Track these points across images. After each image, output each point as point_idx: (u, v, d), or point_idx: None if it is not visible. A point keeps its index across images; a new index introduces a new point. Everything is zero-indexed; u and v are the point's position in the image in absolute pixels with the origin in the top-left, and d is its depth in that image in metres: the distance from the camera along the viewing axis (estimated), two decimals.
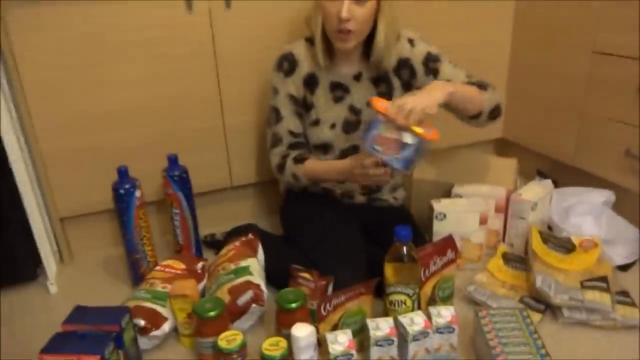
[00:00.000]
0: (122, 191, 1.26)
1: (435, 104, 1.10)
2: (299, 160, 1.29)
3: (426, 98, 1.10)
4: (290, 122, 1.32)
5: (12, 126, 1.27)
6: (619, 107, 1.44)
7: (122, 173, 1.27)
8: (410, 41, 1.31)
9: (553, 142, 1.69)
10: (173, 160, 1.36)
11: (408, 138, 1.08)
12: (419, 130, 1.07)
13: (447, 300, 1.19)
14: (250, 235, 1.34)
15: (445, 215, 1.31)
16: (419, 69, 1.30)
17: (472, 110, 1.24)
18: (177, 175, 1.35)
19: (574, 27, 1.53)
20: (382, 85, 1.32)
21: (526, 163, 1.81)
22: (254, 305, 1.13)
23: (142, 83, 1.40)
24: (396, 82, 1.32)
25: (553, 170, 1.72)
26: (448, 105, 1.19)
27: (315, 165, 1.28)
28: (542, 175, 1.70)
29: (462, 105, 1.21)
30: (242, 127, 1.54)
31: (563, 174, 1.67)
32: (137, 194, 1.28)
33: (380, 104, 1.10)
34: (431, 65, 1.30)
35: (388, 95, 1.32)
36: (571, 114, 1.59)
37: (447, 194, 1.43)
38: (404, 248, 1.06)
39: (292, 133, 1.33)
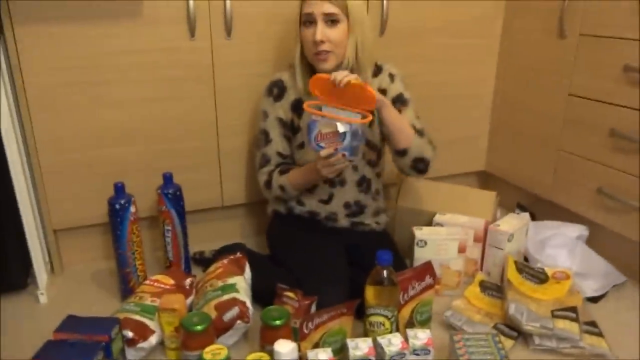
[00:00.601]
0: (117, 206, 1.30)
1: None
2: (283, 171, 1.38)
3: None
4: (278, 144, 1.40)
5: (15, 139, 1.32)
6: (592, 147, 1.52)
7: (119, 189, 1.32)
8: (391, 76, 1.41)
9: (532, 176, 1.77)
10: (168, 178, 1.42)
11: (341, 127, 1.16)
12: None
13: (424, 324, 1.24)
14: (238, 254, 1.38)
15: (426, 242, 1.37)
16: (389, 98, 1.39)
17: (399, 142, 1.31)
18: (171, 193, 1.40)
19: (552, 69, 1.63)
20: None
21: (507, 196, 1.89)
22: (239, 321, 1.18)
23: (142, 103, 1.46)
24: (375, 111, 1.38)
25: (532, 204, 1.80)
26: (381, 123, 1.30)
27: (295, 171, 1.37)
28: (522, 208, 1.77)
29: (391, 127, 1.28)
30: (235, 150, 1.61)
31: (541, 208, 1.75)
32: (132, 209, 1.33)
33: (310, 108, 1.20)
34: (397, 106, 1.37)
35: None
36: (549, 151, 1.68)
37: (429, 222, 1.50)
38: (385, 272, 1.11)
39: (280, 154, 1.41)
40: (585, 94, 1.53)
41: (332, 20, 1.27)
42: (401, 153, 1.33)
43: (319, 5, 1.26)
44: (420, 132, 1.35)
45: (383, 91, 1.40)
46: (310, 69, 1.36)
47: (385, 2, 1.59)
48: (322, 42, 1.27)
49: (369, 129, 1.39)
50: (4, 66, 1.30)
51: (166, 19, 1.41)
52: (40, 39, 1.32)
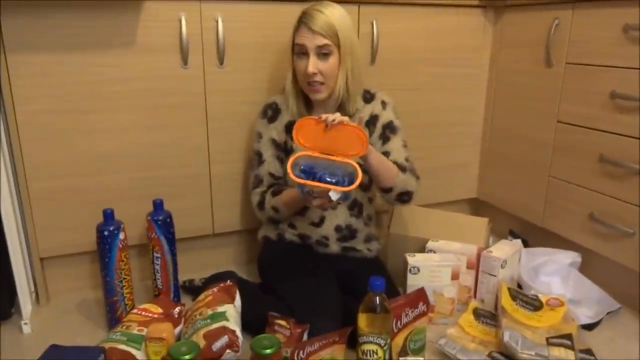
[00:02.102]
0: (106, 232, 1.29)
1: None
2: (276, 192, 1.39)
3: None
4: (271, 165, 1.42)
5: (4, 165, 1.31)
6: (583, 173, 1.53)
7: (108, 215, 1.31)
8: (383, 104, 1.43)
9: (523, 203, 1.78)
10: (158, 205, 1.40)
11: (334, 195, 1.11)
12: (336, 188, 1.11)
13: (418, 352, 1.22)
14: (228, 282, 1.36)
15: (419, 269, 1.36)
16: (378, 128, 1.42)
17: (383, 182, 1.31)
18: (161, 219, 1.39)
19: (540, 97, 1.66)
20: None
21: (499, 223, 1.89)
22: (228, 350, 1.15)
23: (133, 130, 1.46)
24: (368, 134, 1.41)
25: (524, 231, 1.80)
26: (364, 165, 1.26)
27: (287, 193, 1.36)
28: (514, 235, 1.77)
29: (375, 170, 1.27)
30: (226, 177, 1.60)
31: (533, 235, 1.75)
32: (121, 236, 1.31)
33: (300, 159, 1.15)
34: (387, 133, 1.41)
35: None
36: (539, 178, 1.69)
37: (422, 249, 1.49)
38: (377, 298, 1.10)
39: (272, 175, 1.43)
40: (573, 120, 1.55)
41: (324, 53, 1.29)
42: (387, 190, 1.34)
43: (311, 38, 1.28)
44: (402, 167, 1.35)
45: (375, 117, 1.42)
46: (303, 94, 1.39)
47: (375, 31, 1.63)
48: (314, 74, 1.30)
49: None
50: None
51: (159, 48, 1.43)
52: (32, 66, 1.32)
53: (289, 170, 1.13)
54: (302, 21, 1.30)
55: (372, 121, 1.42)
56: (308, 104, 1.42)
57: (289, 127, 1.41)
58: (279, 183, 1.44)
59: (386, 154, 1.38)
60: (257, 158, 1.43)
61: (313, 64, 1.29)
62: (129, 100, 1.44)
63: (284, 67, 1.53)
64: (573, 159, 1.57)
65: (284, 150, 1.43)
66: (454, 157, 1.92)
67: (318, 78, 1.31)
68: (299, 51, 1.31)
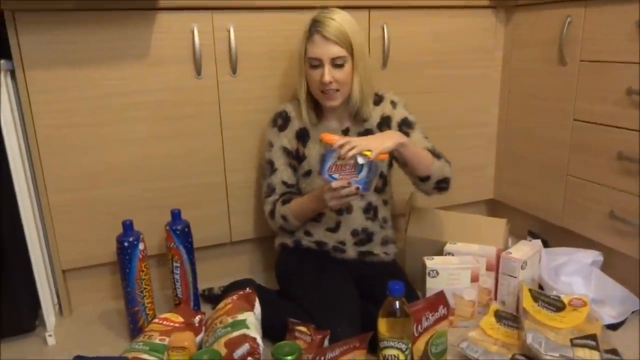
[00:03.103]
0: (126, 243, 1.30)
1: (380, 149, 1.19)
2: (286, 201, 1.40)
3: (374, 142, 1.20)
4: (283, 174, 1.42)
5: (25, 179, 1.34)
6: (601, 170, 1.52)
7: (127, 226, 1.32)
8: (393, 103, 1.44)
9: (542, 203, 1.76)
10: (176, 215, 1.42)
11: (360, 159, 1.17)
12: (367, 153, 1.17)
13: (440, 356, 1.21)
14: (247, 290, 1.37)
15: (437, 272, 1.35)
16: (395, 127, 1.42)
17: (420, 171, 1.33)
18: (179, 229, 1.40)
19: (555, 96, 1.64)
20: None
21: (518, 223, 1.87)
22: (249, 358, 1.15)
23: (150, 141, 1.48)
24: None
25: (543, 231, 1.78)
26: (399, 159, 1.34)
27: (297, 201, 1.38)
28: (533, 235, 1.75)
29: (411, 162, 1.30)
30: (242, 185, 1.61)
31: (553, 235, 1.73)
32: (141, 246, 1.32)
33: (329, 137, 1.22)
34: (404, 129, 1.41)
35: None
36: (557, 177, 1.67)
37: (440, 252, 1.48)
38: (397, 303, 1.09)
39: (285, 183, 1.43)
40: (590, 118, 1.53)
41: (338, 64, 1.30)
42: (424, 179, 1.36)
43: (326, 50, 1.28)
44: (435, 154, 1.37)
45: (387, 118, 1.42)
46: (315, 102, 1.40)
47: (386, 36, 1.63)
48: (330, 82, 1.30)
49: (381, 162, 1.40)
50: (15, 108, 1.33)
51: (173, 59, 1.44)
52: (50, 82, 1.35)
53: (322, 135, 1.22)
54: (315, 30, 1.29)
55: (384, 122, 1.42)
56: (319, 111, 1.42)
57: (299, 135, 1.42)
58: (291, 191, 1.44)
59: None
60: (269, 167, 1.44)
61: (329, 73, 1.29)
62: (144, 112, 1.45)
63: (295, 75, 1.55)
64: (591, 157, 1.55)
65: (295, 157, 1.43)
66: (470, 159, 1.91)
67: (333, 86, 1.31)
68: (314, 63, 1.31)
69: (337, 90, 1.32)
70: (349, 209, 1.41)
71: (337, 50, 1.28)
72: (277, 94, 1.57)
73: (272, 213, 1.42)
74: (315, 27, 1.29)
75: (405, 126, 1.41)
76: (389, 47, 1.65)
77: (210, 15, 1.45)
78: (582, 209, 1.60)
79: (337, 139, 1.20)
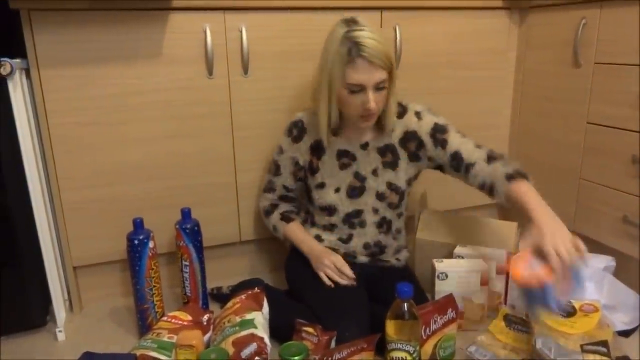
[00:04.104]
0: (136, 241, 1.31)
1: (572, 238, 1.06)
2: (285, 217, 1.45)
3: (558, 228, 1.07)
4: (287, 180, 1.45)
5: (38, 177, 1.35)
6: (615, 174, 1.50)
7: (138, 224, 1.33)
8: (417, 114, 1.36)
9: (554, 207, 1.72)
10: (186, 214, 1.42)
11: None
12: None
13: (448, 359, 1.20)
14: (256, 289, 1.37)
15: (447, 275, 1.34)
16: (427, 140, 1.34)
17: None
18: (189, 228, 1.41)
19: (568, 98, 1.62)
20: (388, 154, 1.38)
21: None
22: (257, 357, 1.15)
23: (161, 140, 1.49)
24: (402, 153, 1.38)
25: None
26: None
27: (295, 232, 1.44)
28: None
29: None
30: (253, 185, 1.61)
31: None
32: (151, 244, 1.33)
33: (538, 275, 1.01)
34: (439, 137, 1.33)
35: (394, 164, 1.38)
36: (570, 181, 1.65)
37: (449, 254, 1.47)
38: (405, 305, 1.09)
39: (285, 187, 1.46)
40: (604, 121, 1.51)
41: (380, 87, 1.23)
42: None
43: (370, 76, 1.20)
44: (491, 158, 1.29)
45: (412, 133, 1.35)
46: (335, 114, 1.32)
47: (398, 37, 1.62)
48: (374, 108, 1.24)
49: (394, 172, 1.38)
50: (30, 108, 1.35)
51: (185, 59, 1.45)
52: (64, 81, 1.36)
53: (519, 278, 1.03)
54: (358, 54, 1.18)
55: (409, 138, 1.36)
56: (339, 123, 1.36)
57: (314, 147, 1.39)
58: (290, 195, 1.49)
59: (455, 155, 1.31)
60: (275, 168, 1.45)
61: (374, 100, 1.22)
62: (156, 111, 1.46)
63: (307, 75, 1.55)
64: (604, 161, 1.53)
65: (309, 169, 1.41)
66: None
67: (374, 110, 1.25)
68: (354, 89, 1.22)
69: (375, 112, 1.27)
70: (362, 224, 1.40)
71: (381, 75, 1.20)
72: (289, 95, 1.57)
73: (268, 213, 1.48)
74: (357, 51, 1.18)
75: (438, 133, 1.33)
76: (401, 48, 1.64)
77: (222, 16, 1.45)
78: (595, 213, 1.58)
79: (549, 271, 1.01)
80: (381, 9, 1.59)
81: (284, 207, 1.49)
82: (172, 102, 1.47)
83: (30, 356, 1.31)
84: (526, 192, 1.19)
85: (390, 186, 1.38)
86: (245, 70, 1.51)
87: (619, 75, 1.45)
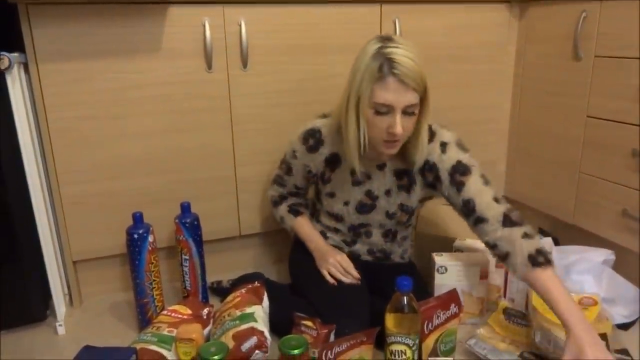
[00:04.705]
0: (136, 235, 1.31)
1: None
2: (293, 211, 1.43)
3: (596, 339, 1.02)
4: (298, 180, 1.41)
5: (37, 172, 1.35)
6: (615, 168, 1.49)
7: (137, 218, 1.33)
8: (443, 145, 1.24)
9: (553, 201, 1.74)
10: (186, 208, 1.42)
11: None
12: None
13: (448, 354, 1.21)
14: (256, 283, 1.37)
15: (446, 269, 1.34)
16: (445, 177, 1.23)
17: None
18: (188, 222, 1.41)
19: (568, 92, 1.62)
20: (405, 178, 1.31)
21: (528, 221, 1.84)
22: (257, 351, 1.15)
23: (161, 134, 1.49)
24: (419, 180, 1.31)
25: (554, 229, 1.76)
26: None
27: (302, 227, 1.43)
28: (544, 233, 1.74)
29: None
30: (252, 179, 1.61)
31: (564, 233, 1.71)
32: (150, 238, 1.33)
33: None
34: (457, 178, 1.21)
35: (409, 187, 1.31)
36: (570, 174, 1.65)
37: (449, 248, 1.47)
38: (405, 298, 1.09)
39: (296, 186, 1.43)
40: (604, 115, 1.51)
41: (410, 112, 1.12)
42: None
43: (400, 97, 1.09)
44: (505, 221, 1.17)
45: (432, 166, 1.24)
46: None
47: (398, 30, 1.62)
48: (400, 133, 1.12)
49: (407, 195, 1.31)
50: (28, 102, 1.34)
51: (184, 53, 1.45)
52: (62, 74, 1.36)
53: None
54: (391, 71, 1.08)
55: (428, 169, 1.26)
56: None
57: (329, 160, 1.30)
58: (300, 193, 1.46)
59: (468, 203, 1.20)
60: (286, 167, 1.39)
61: (400, 124, 1.10)
62: (155, 105, 1.46)
63: (307, 69, 1.55)
64: (604, 154, 1.53)
65: (320, 177, 1.35)
66: (481, 155, 1.87)
67: (399, 136, 1.13)
68: (381, 109, 1.11)
69: (400, 139, 1.16)
70: (368, 234, 1.39)
71: (412, 98, 1.09)
72: (288, 89, 1.57)
73: (276, 204, 1.47)
74: (389, 68, 1.08)
75: (459, 174, 1.20)
76: None
77: (221, 9, 1.45)
78: (594, 206, 1.58)
79: None
80: (381, 2, 1.59)
81: (292, 200, 1.46)
82: (171, 96, 1.47)
83: (30, 350, 1.31)
84: (554, 286, 1.09)
85: (402, 207, 1.33)
86: (245, 64, 1.51)
87: (619, 69, 1.45)
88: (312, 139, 1.30)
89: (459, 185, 1.21)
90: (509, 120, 1.89)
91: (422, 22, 1.67)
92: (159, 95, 1.46)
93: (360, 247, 1.41)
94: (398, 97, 1.09)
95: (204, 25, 1.44)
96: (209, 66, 1.48)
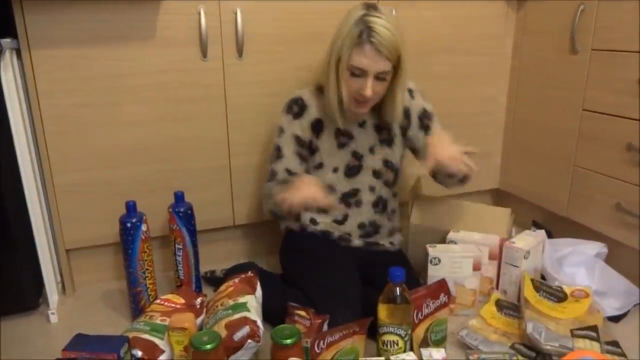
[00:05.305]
0: (129, 224, 1.31)
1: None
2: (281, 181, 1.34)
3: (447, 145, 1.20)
4: (289, 161, 1.36)
5: (30, 159, 1.34)
6: (609, 162, 1.50)
7: (130, 207, 1.33)
8: (410, 92, 1.40)
9: (547, 194, 1.74)
10: (179, 197, 1.42)
11: None
12: None
13: (439, 343, 1.21)
14: (249, 273, 1.37)
15: (439, 260, 1.35)
16: (415, 121, 1.40)
17: (457, 175, 1.30)
18: (182, 211, 1.40)
19: (564, 85, 1.62)
20: (384, 132, 1.41)
21: (522, 214, 1.86)
22: (249, 340, 1.15)
23: (155, 123, 1.48)
24: (397, 130, 1.42)
25: (548, 222, 1.76)
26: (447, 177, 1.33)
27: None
28: (538, 225, 1.74)
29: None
30: (247, 169, 1.61)
31: (558, 225, 1.72)
32: (143, 227, 1.33)
33: None
34: (425, 122, 1.39)
35: (390, 141, 1.41)
36: (564, 168, 1.65)
37: (443, 240, 1.47)
38: (397, 289, 1.09)
39: (288, 171, 1.36)
40: (599, 108, 1.51)
41: (382, 77, 1.23)
42: (456, 180, 1.35)
43: (375, 63, 1.20)
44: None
45: (407, 110, 1.39)
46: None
47: None
48: (370, 96, 1.24)
49: (390, 149, 1.41)
50: (21, 89, 1.33)
51: (179, 41, 1.43)
52: (55, 61, 1.34)
53: None
54: (368, 39, 1.18)
55: (404, 115, 1.39)
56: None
57: (315, 125, 1.36)
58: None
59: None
60: (277, 152, 1.38)
61: (371, 87, 1.22)
62: (149, 93, 1.45)
63: (302, 58, 1.54)
64: (599, 148, 1.53)
65: (308, 148, 1.38)
66: (476, 147, 1.88)
67: (369, 98, 1.25)
68: (356, 72, 1.22)
69: (370, 101, 1.27)
70: (358, 203, 1.40)
71: (385, 66, 1.20)
72: (283, 78, 1.56)
73: (267, 196, 1.37)
74: (367, 35, 1.18)
75: (426, 118, 1.38)
76: None
77: None
78: (588, 200, 1.58)
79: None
80: None
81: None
82: (165, 84, 1.46)
83: (22, 338, 1.31)
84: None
85: (387, 163, 1.40)
86: (240, 53, 1.50)
87: (616, 62, 1.44)
88: (295, 106, 1.36)
89: (426, 129, 1.40)
90: (505, 112, 1.89)
91: (420, 14, 1.66)
92: (153, 83, 1.45)
93: (351, 223, 1.41)
94: (372, 63, 1.20)
95: (199, 13, 1.42)
96: (204, 55, 1.47)
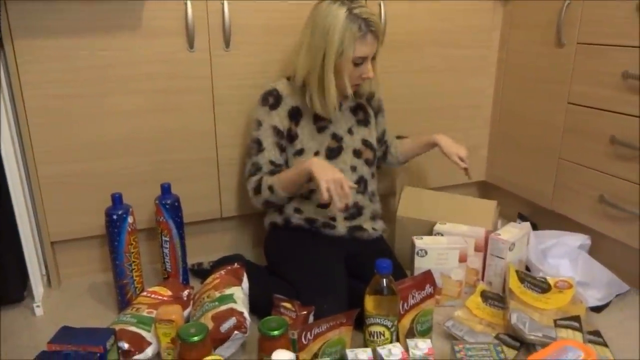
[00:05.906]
0: (115, 216, 1.30)
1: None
2: (273, 173, 1.37)
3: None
4: (271, 153, 1.38)
5: (13, 151, 1.32)
6: (593, 155, 1.52)
7: (116, 199, 1.32)
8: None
9: (533, 186, 1.76)
10: (166, 189, 1.41)
11: None
12: None
13: (425, 334, 1.22)
14: (236, 265, 1.37)
15: (426, 252, 1.36)
16: (381, 105, 1.56)
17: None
18: (169, 203, 1.39)
19: (550, 78, 1.63)
20: (360, 113, 1.49)
21: (508, 206, 1.88)
22: (236, 332, 1.16)
23: (141, 114, 1.47)
24: (370, 110, 1.51)
25: (533, 214, 1.78)
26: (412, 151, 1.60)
27: (285, 172, 1.35)
28: (523, 218, 1.76)
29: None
30: (234, 161, 1.60)
31: (543, 218, 1.74)
32: (130, 219, 1.32)
33: None
34: (382, 106, 1.56)
35: (366, 121, 1.49)
36: (549, 160, 1.67)
37: (429, 232, 1.49)
38: (384, 281, 1.10)
39: (272, 163, 1.38)
40: (584, 102, 1.53)
41: (374, 56, 1.35)
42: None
43: (373, 48, 1.31)
44: (400, 136, 1.64)
45: (372, 94, 1.48)
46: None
47: (383, 13, 1.60)
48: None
49: (367, 129, 1.48)
50: (3, 79, 1.31)
51: (165, 31, 1.42)
52: (39, 51, 1.32)
53: None
54: (369, 29, 1.28)
55: (370, 97, 1.50)
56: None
57: (292, 114, 1.39)
58: (278, 171, 1.40)
59: (384, 132, 1.58)
60: (256, 146, 1.38)
61: (371, 70, 1.34)
62: (135, 84, 1.44)
63: (290, 51, 1.53)
64: (584, 141, 1.54)
65: (287, 136, 1.39)
66: (463, 140, 1.89)
67: (372, 77, 1.36)
68: (359, 61, 1.31)
69: None
70: (358, 212, 1.44)
71: (378, 46, 1.33)
72: (271, 69, 1.55)
73: (258, 188, 1.37)
74: (367, 26, 1.28)
75: (382, 102, 1.55)
76: (386, 25, 1.63)
77: None
78: (572, 192, 1.60)
79: None
80: None
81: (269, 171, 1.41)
82: (151, 75, 1.44)
83: (7, 331, 1.30)
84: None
85: (365, 142, 1.46)
86: (227, 43, 1.49)
87: (601, 56, 1.46)
88: (271, 97, 1.39)
89: (382, 113, 1.56)
90: (492, 105, 1.90)
91: (407, 6, 1.66)
92: (139, 74, 1.43)
93: (334, 208, 1.39)
94: (372, 48, 1.31)
95: (186, 3, 1.41)
96: (191, 45, 1.45)
